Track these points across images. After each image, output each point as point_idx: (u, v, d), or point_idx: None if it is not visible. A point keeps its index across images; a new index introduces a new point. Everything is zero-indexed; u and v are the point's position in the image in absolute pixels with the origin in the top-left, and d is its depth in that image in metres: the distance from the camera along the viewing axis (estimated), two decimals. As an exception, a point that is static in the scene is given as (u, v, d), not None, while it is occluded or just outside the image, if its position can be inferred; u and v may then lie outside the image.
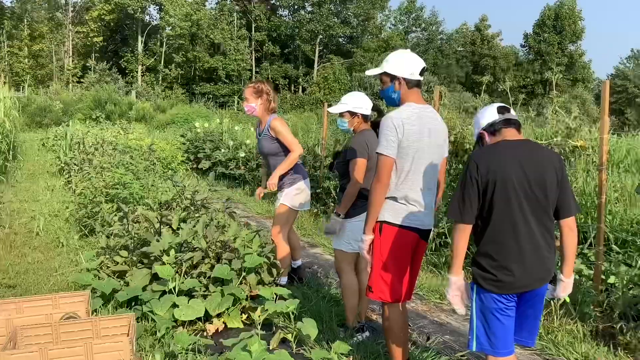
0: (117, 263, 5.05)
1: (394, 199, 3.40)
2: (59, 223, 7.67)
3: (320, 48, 58.78)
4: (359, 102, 4.43)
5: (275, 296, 4.55)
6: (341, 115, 4.48)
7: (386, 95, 3.51)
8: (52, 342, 3.90)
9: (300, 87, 57.74)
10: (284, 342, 4.23)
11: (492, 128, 2.89)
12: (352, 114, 4.43)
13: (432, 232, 3.78)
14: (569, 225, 2.85)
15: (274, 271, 5.07)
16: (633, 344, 4.26)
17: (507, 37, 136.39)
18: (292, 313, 4.52)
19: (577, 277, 5.31)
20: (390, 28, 64.22)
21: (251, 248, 4.94)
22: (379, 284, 3.44)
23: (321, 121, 11.58)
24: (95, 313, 4.58)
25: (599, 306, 4.66)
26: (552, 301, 4.84)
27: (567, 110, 5.26)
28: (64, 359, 3.59)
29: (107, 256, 5.17)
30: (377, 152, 3.38)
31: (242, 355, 3.10)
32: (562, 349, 4.32)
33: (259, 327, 3.47)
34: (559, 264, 2.94)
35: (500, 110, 2.91)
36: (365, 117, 4.45)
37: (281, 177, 5.22)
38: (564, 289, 2.93)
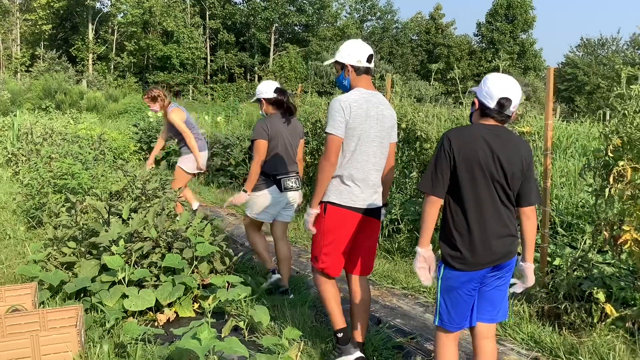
0: (65, 254, 4.95)
1: (340, 177, 3.59)
2: (6, 215, 7.47)
3: (276, 36, 58.46)
4: (261, 87, 5.10)
5: (227, 284, 4.54)
6: (258, 102, 5.20)
7: (339, 82, 3.77)
8: (-3, 336, 3.81)
9: (257, 75, 57.26)
10: (236, 329, 4.23)
11: (485, 112, 2.90)
12: (259, 100, 5.11)
13: (383, 217, 3.89)
14: (527, 214, 2.97)
15: (227, 260, 5.05)
16: (577, 324, 4.39)
17: (461, 27, 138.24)
18: (245, 301, 4.52)
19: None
20: (345, 16, 64.19)
21: (203, 237, 4.90)
22: (321, 257, 3.68)
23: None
24: (42, 305, 4.49)
25: (544, 287, 4.79)
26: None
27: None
28: (10, 351, 3.52)
29: (55, 247, 5.06)
30: (325, 132, 3.56)
31: (192, 343, 3.08)
32: (509, 330, 4.43)
33: (209, 315, 3.45)
34: (520, 252, 3.08)
35: (500, 103, 2.84)
36: (269, 100, 5.05)
37: (181, 147, 6.96)
38: (528, 278, 3.09)
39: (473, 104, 3.00)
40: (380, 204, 3.76)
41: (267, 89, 5.04)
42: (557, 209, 6.20)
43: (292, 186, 5.09)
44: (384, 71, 39.85)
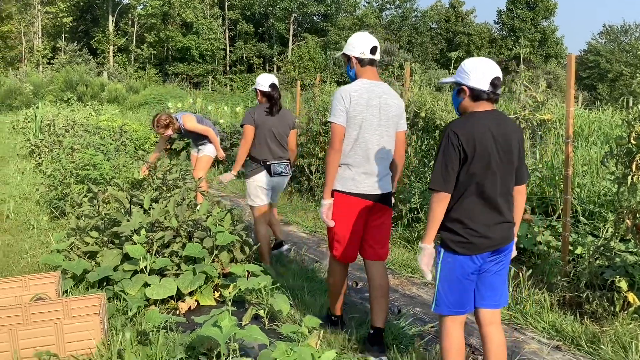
0: (88, 244, 5.02)
1: (346, 165, 3.73)
2: (30, 205, 7.58)
3: (295, 26, 58.33)
4: (259, 79, 5.50)
5: (247, 273, 4.57)
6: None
7: (348, 73, 3.93)
8: (21, 324, 3.88)
9: (275, 66, 57.26)
10: (256, 318, 4.26)
11: (477, 96, 2.89)
12: (255, 90, 5.56)
13: (393, 201, 4.00)
14: (521, 191, 3.06)
15: (247, 249, 5.08)
16: (599, 313, 4.36)
17: (481, 14, 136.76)
18: (265, 289, 4.55)
19: (545, 248, 5.41)
20: (364, 5, 63.88)
21: (223, 226, 4.93)
22: (335, 244, 3.85)
23: (295, 99, 11.55)
24: (66, 294, 4.56)
25: (566, 276, 4.76)
26: (520, 273, 4.93)
27: (538, 85, 5.31)
28: (34, 339, 3.59)
29: (78, 237, 5.12)
30: (328, 121, 3.76)
31: (212, 331, 3.11)
32: (530, 319, 4.41)
33: (230, 303, 3.48)
34: None
35: (494, 83, 2.87)
36: (263, 92, 5.45)
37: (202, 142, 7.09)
38: (512, 251, 3.13)
39: (458, 93, 2.96)
40: (389, 191, 3.85)
41: (264, 82, 5.46)
42: (578, 197, 6.13)
43: (281, 172, 5.44)
44: (402, 60, 39.62)
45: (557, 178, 6.34)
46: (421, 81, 6.54)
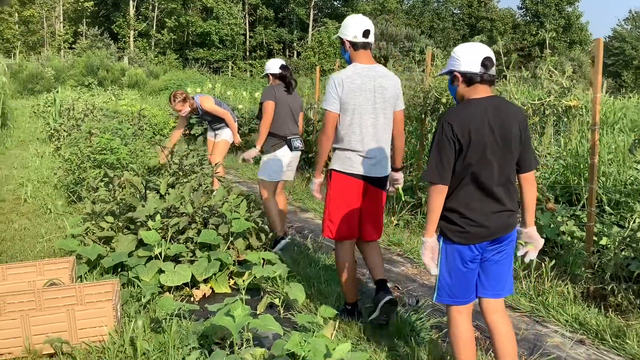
0: (103, 229, 4.98)
1: (342, 149, 3.83)
2: (48, 189, 7.58)
3: (315, 11, 57.95)
4: (268, 65, 5.79)
5: (262, 261, 4.50)
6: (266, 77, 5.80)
7: (343, 56, 3.98)
8: (34, 309, 3.84)
9: (295, 51, 57.02)
10: (271, 306, 4.19)
11: (470, 80, 2.83)
12: (266, 75, 5.77)
13: (398, 184, 4.17)
14: (529, 180, 2.96)
15: (262, 236, 5.01)
16: (624, 305, 4.22)
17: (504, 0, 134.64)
18: (280, 277, 4.48)
19: (569, 238, 5.27)
20: (385, -10, 63.24)
21: (239, 213, 4.86)
22: (327, 223, 3.94)
23: (315, 85, 11.44)
24: (80, 279, 4.52)
25: (590, 268, 4.62)
26: (542, 263, 4.80)
27: (562, 71, 5.15)
28: (47, 325, 3.55)
29: (93, 222, 5.09)
30: (322, 108, 3.90)
31: (225, 320, 3.04)
32: (552, 311, 4.28)
33: (243, 292, 3.41)
34: (521, 217, 3.04)
35: (484, 64, 2.80)
36: (275, 75, 5.69)
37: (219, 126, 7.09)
38: (537, 240, 3.04)
39: (452, 81, 2.90)
40: (385, 175, 3.94)
41: (273, 65, 5.74)
42: (604, 186, 5.96)
43: (298, 146, 5.67)
44: (424, 45, 39.16)
45: (581, 166, 6.17)
46: (443, 66, 6.38)
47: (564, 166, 6.49)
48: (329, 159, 4.10)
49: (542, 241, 3.09)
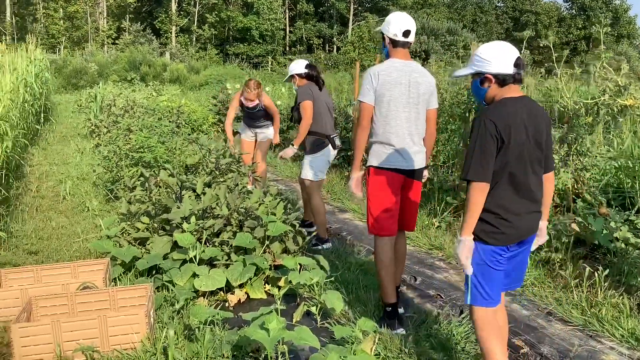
0: (138, 230, 4.89)
1: (378, 142, 3.90)
2: (86, 187, 7.57)
3: (355, 6, 57.52)
4: (293, 66, 5.77)
5: (299, 266, 4.34)
6: (290, 80, 5.86)
7: (383, 49, 4.07)
8: (67, 314, 3.78)
9: (335, 46, 56.70)
10: (308, 314, 4.04)
11: (503, 81, 2.81)
12: (292, 76, 5.78)
13: (424, 178, 4.19)
14: (549, 179, 3.03)
15: (300, 239, 4.85)
16: (684, 320, 3.94)
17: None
18: (317, 284, 4.32)
19: (622, 245, 4.98)
20: (427, -16, 62.37)
21: (275, 215, 4.71)
22: (370, 220, 3.98)
23: (354, 80, 11.22)
24: (114, 282, 4.45)
25: (647, 277, 4.34)
26: (596, 272, 4.52)
27: (617, 67, 4.85)
28: (78, 331, 3.46)
29: (128, 222, 5.01)
30: (357, 100, 3.96)
31: (259, 334, 2.88)
32: (607, 325, 4.01)
33: (279, 302, 3.25)
34: None
35: (517, 64, 2.78)
36: (301, 75, 5.71)
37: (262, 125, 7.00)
38: (543, 234, 3.12)
39: (482, 82, 2.86)
40: (421, 166, 3.99)
41: (298, 67, 5.74)
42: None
43: (339, 144, 5.67)
44: (469, 40, 38.41)
45: (637, 168, 5.84)
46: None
47: (616, 168, 6.16)
48: (366, 152, 4.05)
49: (547, 237, 3.19)
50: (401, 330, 3.85)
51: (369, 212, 3.98)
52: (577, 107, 5.08)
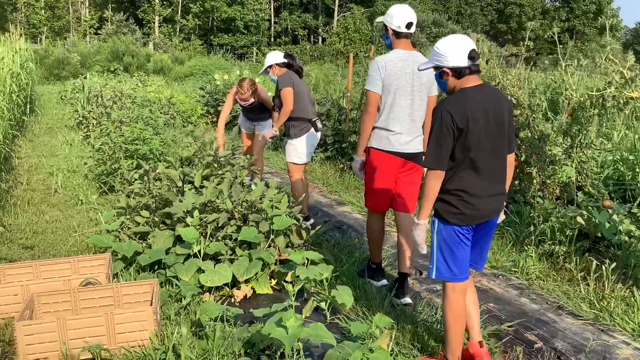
0: (139, 224, 4.79)
1: (380, 128, 4.16)
2: (78, 179, 7.42)
3: (340, -3, 57.36)
4: (270, 57, 6.02)
5: (306, 261, 4.27)
6: (267, 71, 6.08)
7: (384, 39, 4.30)
8: (71, 311, 3.67)
9: (320, 37, 56.51)
10: (316, 310, 3.96)
11: (459, 73, 2.97)
12: (271, 66, 5.99)
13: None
14: (510, 161, 3.18)
15: (304, 233, 4.77)
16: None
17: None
18: (326, 280, 4.25)
19: (626, 238, 4.96)
20: (412, -25, 62.25)
21: (279, 209, 4.63)
22: (368, 196, 4.39)
23: (343, 72, 11.13)
24: (116, 277, 4.34)
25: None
26: (603, 266, 4.50)
27: (625, 59, 4.81)
28: (84, 329, 3.36)
29: (128, 216, 4.90)
30: (365, 89, 4.24)
31: (277, 332, 2.81)
32: (617, 319, 3.99)
33: (293, 298, 3.17)
34: None
35: (471, 56, 2.94)
36: (280, 65, 5.94)
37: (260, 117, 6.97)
38: (501, 215, 3.28)
39: (441, 75, 3.03)
40: (419, 151, 4.21)
41: (276, 57, 6.00)
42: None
43: (321, 127, 5.96)
44: (451, 32, 38.37)
45: (638, 160, 5.84)
46: (490, 54, 6.05)
47: (616, 160, 6.16)
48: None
49: (504, 217, 3.40)
50: (384, 282, 4.48)
51: (365, 190, 4.41)
52: (582, 99, 5.04)
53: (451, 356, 3.15)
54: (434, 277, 3.15)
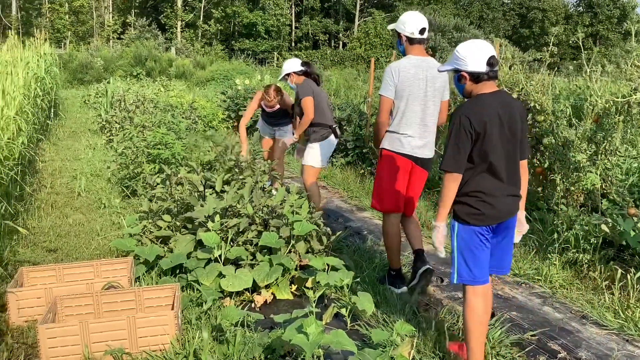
0: (160, 228, 4.81)
1: (393, 132, 4.28)
2: (101, 183, 7.49)
3: (362, 2, 57.33)
4: (288, 65, 6.13)
5: (327, 267, 4.25)
6: (285, 79, 6.19)
7: (397, 47, 4.41)
8: (93, 314, 3.70)
9: (341, 42, 56.58)
10: (336, 316, 3.95)
11: (477, 78, 3.04)
12: (288, 74, 6.11)
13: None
14: (524, 166, 3.24)
15: (324, 239, 4.76)
16: None
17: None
18: (347, 286, 4.23)
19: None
20: (433, -20, 62.05)
21: (300, 214, 4.62)
22: (375, 196, 4.51)
23: (364, 77, 11.12)
24: (137, 281, 4.37)
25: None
26: (628, 274, 4.43)
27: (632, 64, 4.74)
28: (106, 332, 3.38)
29: (150, 220, 4.93)
30: (379, 94, 4.32)
31: (299, 338, 2.80)
32: (642, 326, 3.92)
33: (314, 304, 3.16)
34: None
35: (490, 62, 3.00)
36: (298, 73, 6.06)
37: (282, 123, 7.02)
38: (523, 224, 3.33)
39: (459, 79, 3.10)
40: (429, 156, 4.38)
41: (294, 65, 6.10)
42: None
43: (340, 133, 6.10)
44: (474, 37, 38.16)
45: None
46: (514, 59, 6.00)
47: (641, 168, 6.06)
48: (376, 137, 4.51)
49: (527, 227, 3.37)
50: (404, 289, 4.46)
51: (375, 190, 4.51)
52: (607, 105, 4.98)
53: (472, 358, 3.16)
54: (455, 281, 3.19)
